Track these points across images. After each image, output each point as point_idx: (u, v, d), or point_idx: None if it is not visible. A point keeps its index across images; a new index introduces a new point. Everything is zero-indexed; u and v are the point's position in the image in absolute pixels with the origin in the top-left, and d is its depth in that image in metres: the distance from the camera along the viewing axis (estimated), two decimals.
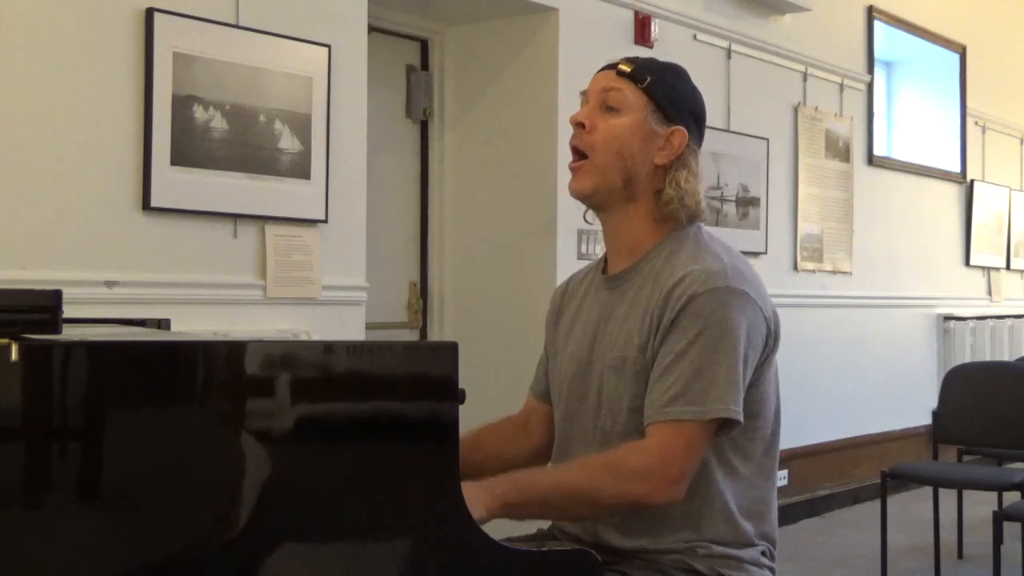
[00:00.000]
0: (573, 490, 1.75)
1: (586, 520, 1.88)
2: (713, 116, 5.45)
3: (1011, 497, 4.44)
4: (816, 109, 6.15)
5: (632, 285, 1.90)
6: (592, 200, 1.94)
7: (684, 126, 1.91)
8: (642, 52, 4.91)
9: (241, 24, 3.53)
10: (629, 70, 1.91)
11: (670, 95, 1.91)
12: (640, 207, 1.92)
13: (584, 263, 2.16)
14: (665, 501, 1.76)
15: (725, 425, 1.78)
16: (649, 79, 1.90)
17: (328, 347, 1.46)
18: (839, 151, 6.33)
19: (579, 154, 1.92)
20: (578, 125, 1.92)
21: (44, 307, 1.47)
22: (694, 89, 1.98)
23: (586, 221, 2.05)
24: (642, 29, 4.99)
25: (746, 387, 1.80)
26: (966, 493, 4.98)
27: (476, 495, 1.59)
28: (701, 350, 1.76)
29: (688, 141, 1.91)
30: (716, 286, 1.79)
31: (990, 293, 7.82)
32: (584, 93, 1.96)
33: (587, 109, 1.92)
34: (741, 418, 1.77)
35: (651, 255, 1.91)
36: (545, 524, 2.03)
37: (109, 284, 3.21)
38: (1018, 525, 4.09)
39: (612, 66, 1.94)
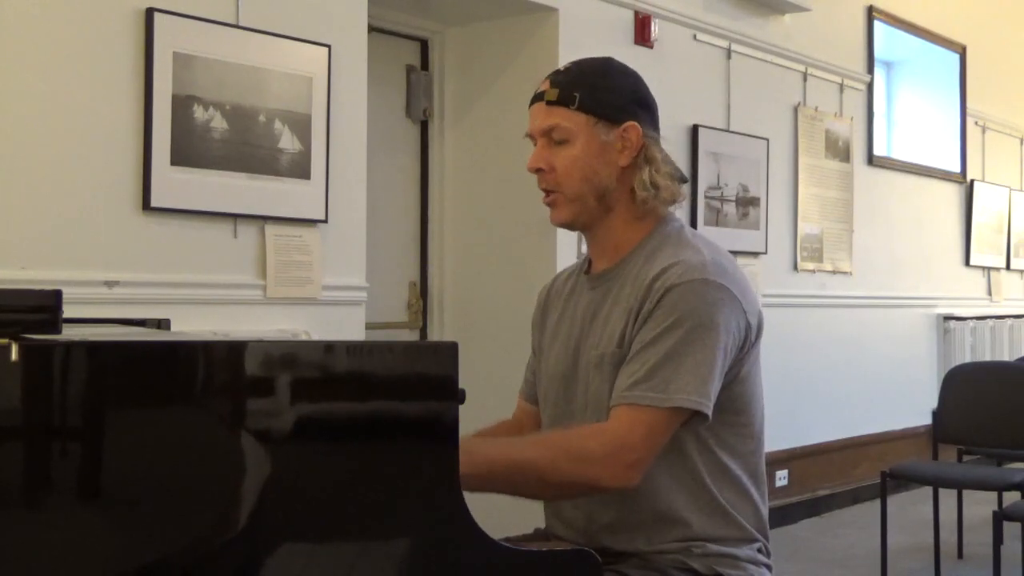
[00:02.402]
0: (526, 466, 1.71)
1: (538, 499, 1.87)
2: (713, 116, 5.50)
3: (1011, 497, 4.44)
4: (816, 109, 6.15)
5: (615, 284, 1.91)
6: (575, 226, 1.96)
7: (633, 119, 1.88)
8: (642, 52, 4.94)
9: (241, 24, 3.53)
10: (556, 96, 1.88)
11: (606, 99, 1.88)
12: (619, 211, 1.92)
13: (574, 263, 2.16)
14: (618, 486, 1.73)
15: (694, 418, 1.77)
16: (578, 96, 1.87)
17: (328, 347, 1.46)
18: (839, 151, 6.33)
19: (549, 191, 1.92)
20: (536, 171, 1.91)
21: (44, 307, 1.46)
22: (627, 75, 1.94)
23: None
24: (642, 29, 4.99)
25: (722, 382, 1.80)
26: (966, 493, 4.98)
27: None
28: (672, 340, 1.76)
29: (643, 130, 1.89)
30: (693, 279, 1.78)
31: (990, 293, 7.82)
32: (528, 134, 1.94)
33: (538, 152, 1.91)
34: (707, 411, 1.76)
35: (634, 253, 1.91)
36: (542, 523, 2.03)
37: (109, 284, 3.21)
38: (1018, 525, 4.09)
39: (540, 96, 1.91)
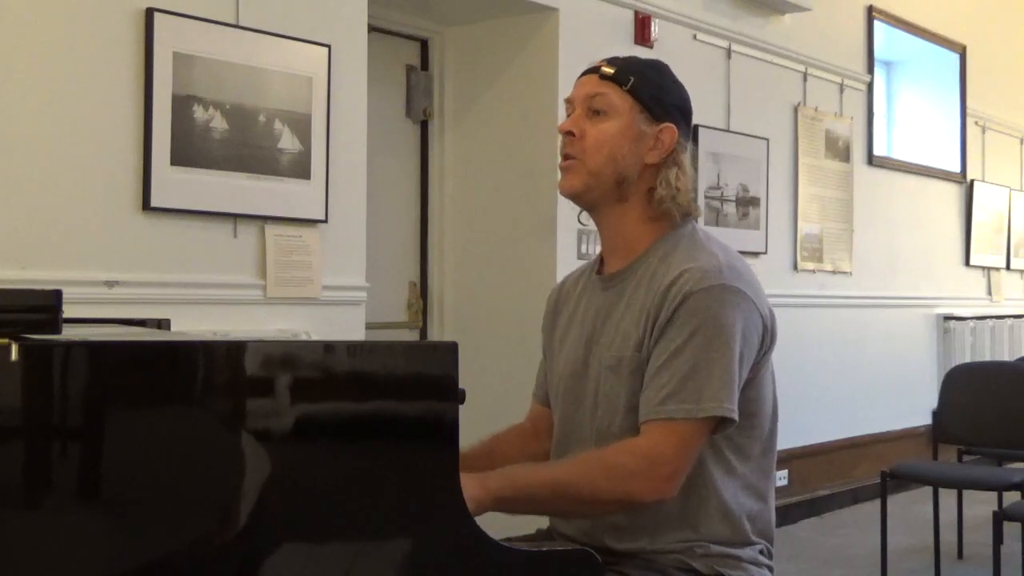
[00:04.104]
0: (565, 486, 1.75)
1: (578, 517, 1.88)
2: (713, 116, 5.50)
3: (1011, 497, 4.43)
4: (816, 109, 6.15)
5: (628, 285, 1.90)
6: (583, 199, 1.94)
7: (672, 123, 1.91)
8: (642, 52, 4.93)
9: (241, 24, 3.53)
10: (612, 72, 1.90)
11: (656, 94, 1.91)
12: (633, 206, 1.92)
13: (584, 263, 2.16)
14: (656, 499, 1.75)
15: (720, 423, 1.78)
16: (633, 80, 1.89)
17: (328, 347, 1.46)
18: (839, 151, 6.33)
19: (569, 157, 1.92)
20: (567, 134, 1.91)
21: (44, 307, 1.46)
22: (677, 84, 1.97)
23: (580, 223, 2.05)
24: (642, 29, 4.99)
25: (742, 385, 1.80)
26: (966, 493, 4.98)
27: (468, 489, 1.59)
28: (696, 348, 1.76)
29: (677, 137, 1.91)
30: (712, 284, 1.79)
31: (990, 293, 7.82)
32: (569, 101, 1.95)
33: (574, 117, 1.92)
34: (736, 416, 1.77)
35: (647, 255, 1.91)
36: (545, 524, 2.03)
37: (109, 284, 3.21)
38: (1018, 525, 4.09)
39: (594, 69, 1.93)
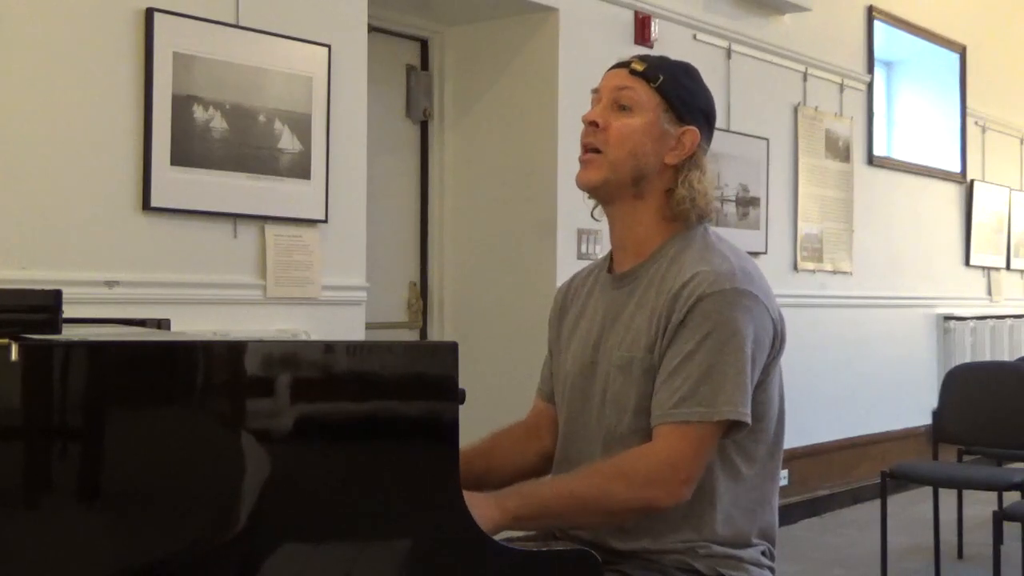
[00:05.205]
0: (582, 499, 1.75)
1: (598, 527, 1.87)
2: None
3: (1011, 497, 4.43)
4: (816, 109, 6.15)
5: (639, 285, 1.90)
6: (599, 193, 1.93)
7: (696, 126, 1.91)
8: (642, 52, 4.93)
9: (241, 24, 3.53)
10: (642, 69, 1.91)
11: (682, 95, 1.91)
12: (648, 205, 1.91)
13: (584, 263, 2.15)
14: (674, 503, 1.75)
15: (733, 427, 1.78)
16: (662, 78, 1.90)
17: (328, 347, 1.46)
18: (839, 151, 6.33)
19: (591, 149, 1.92)
20: (591, 124, 1.91)
21: (44, 307, 1.46)
22: (705, 89, 1.97)
23: (593, 218, 2.04)
24: (642, 29, 4.99)
25: (753, 388, 1.80)
26: (966, 493, 4.98)
27: (484, 509, 1.59)
28: (709, 351, 1.76)
29: (699, 141, 1.91)
30: (724, 287, 1.79)
31: (990, 293, 7.82)
32: (596, 91, 1.95)
33: (600, 108, 1.92)
34: (749, 420, 1.77)
35: (658, 255, 1.90)
36: None
37: (109, 284, 3.21)
38: (1018, 525, 4.09)
39: (624, 64, 1.94)
